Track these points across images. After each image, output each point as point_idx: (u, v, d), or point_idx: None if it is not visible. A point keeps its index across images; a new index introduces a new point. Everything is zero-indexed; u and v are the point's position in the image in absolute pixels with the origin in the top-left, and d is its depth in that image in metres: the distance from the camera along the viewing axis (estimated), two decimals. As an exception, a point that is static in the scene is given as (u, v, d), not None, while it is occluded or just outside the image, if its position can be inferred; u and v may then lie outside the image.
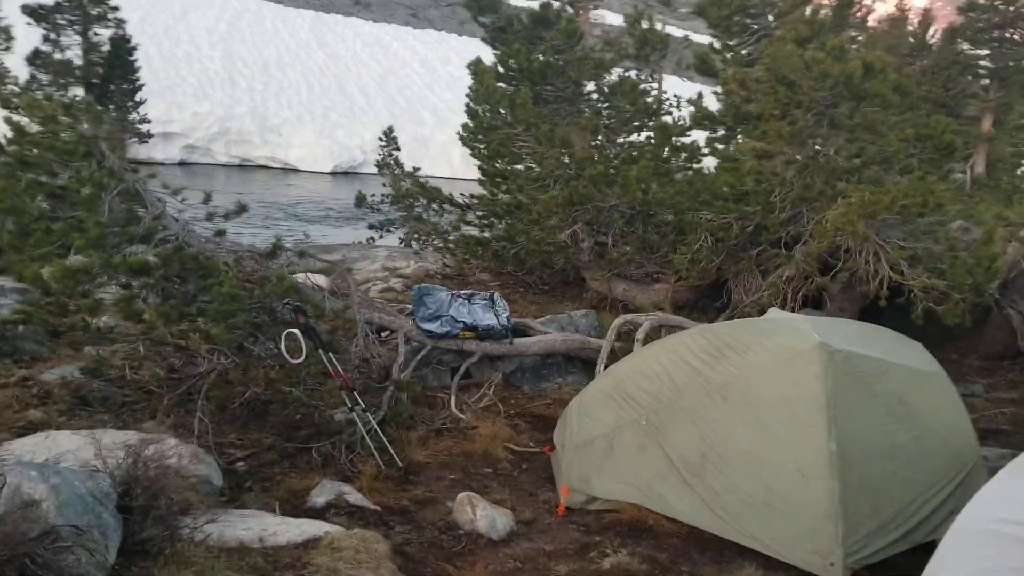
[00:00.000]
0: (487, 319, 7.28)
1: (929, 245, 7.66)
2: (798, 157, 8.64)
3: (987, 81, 27.11)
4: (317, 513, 4.97)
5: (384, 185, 13.25)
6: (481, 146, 12.10)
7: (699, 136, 10.74)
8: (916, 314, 7.49)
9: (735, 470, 4.88)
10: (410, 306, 7.65)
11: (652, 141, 10.57)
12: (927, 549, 4.79)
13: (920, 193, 7.10)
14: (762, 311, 8.91)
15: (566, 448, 5.60)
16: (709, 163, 10.59)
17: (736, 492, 4.83)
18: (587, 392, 5.90)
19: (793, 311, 8.62)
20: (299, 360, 5.35)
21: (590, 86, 11.95)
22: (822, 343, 4.86)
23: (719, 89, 10.11)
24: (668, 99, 14.10)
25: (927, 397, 5.10)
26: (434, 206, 12.26)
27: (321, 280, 9.32)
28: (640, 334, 7.03)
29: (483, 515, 4.97)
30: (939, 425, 5.03)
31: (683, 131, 10.63)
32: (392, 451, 5.76)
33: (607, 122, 11.76)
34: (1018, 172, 10.32)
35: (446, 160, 36.46)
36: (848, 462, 4.58)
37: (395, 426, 6.12)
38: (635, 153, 10.10)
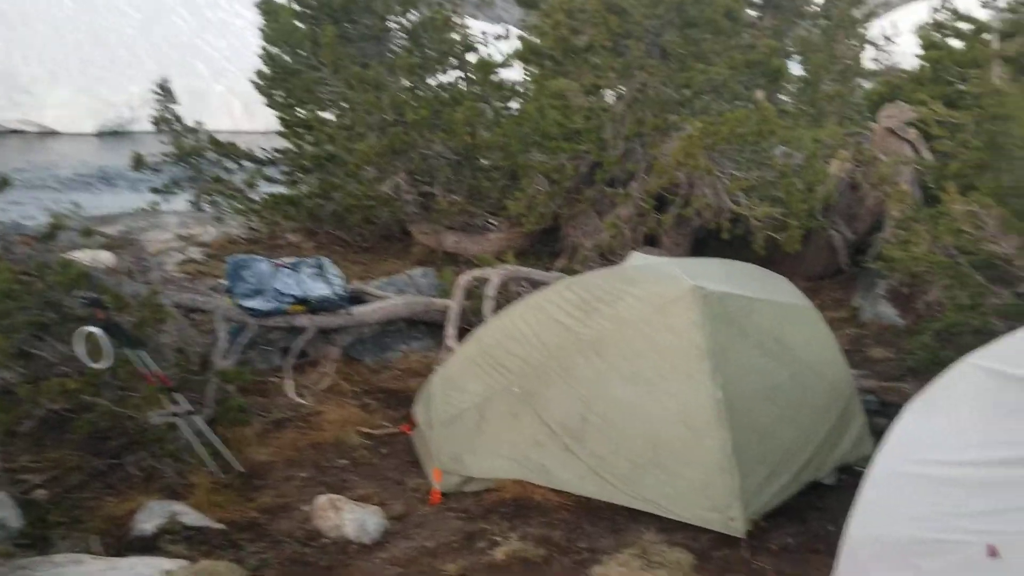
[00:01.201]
0: (319, 289, 6.60)
1: (763, 174, 7.80)
2: (627, 90, 8.52)
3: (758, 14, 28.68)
4: (147, 543, 4.25)
5: (163, 143, 11.92)
6: (280, 93, 11.11)
7: (520, 74, 10.40)
8: (758, 244, 7.63)
9: (619, 430, 4.66)
10: (224, 281, 6.81)
11: (471, 79, 10.09)
12: (813, 488, 4.88)
13: (755, 121, 7.15)
14: (603, 254, 8.82)
15: (432, 425, 5.16)
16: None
17: (623, 453, 4.61)
18: (450, 361, 5.47)
19: (633, 251, 8.60)
20: (104, 365, 4.50)
21: (399, 22, 11.23)
22: (696, 287, 4.69)
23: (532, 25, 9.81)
24: (475, 37, 13.63)
25: (799, 332, 5.10)
26: (227, 163, 11.15)
27: (107, 258, 8.18)
28: (491, 290, 6.65)
29: (350, 517, 4.44)
30: (814, 359, 5.04)
31: (503, 66, 10.22)
32: (227, 454, 5.07)
33: (419, 62, 11.12)
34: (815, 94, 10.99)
35: (226, 112, 34.13)
36: (734, 409, 4.46)
37: (226, 424, 5.39)
38: (457, 94, 9.58)
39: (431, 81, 11.81)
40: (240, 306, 6.39)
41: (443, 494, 4.84)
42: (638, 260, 5.65)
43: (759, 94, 9.41)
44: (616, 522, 4.53)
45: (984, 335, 5.54)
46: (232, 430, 5.37)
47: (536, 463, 4.80)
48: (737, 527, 4.24)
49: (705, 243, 9.50)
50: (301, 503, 4.74)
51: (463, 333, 6.21)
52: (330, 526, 4.43)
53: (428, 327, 7.31)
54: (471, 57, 10.76)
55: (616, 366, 4.78)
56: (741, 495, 4.28)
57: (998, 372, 3.27)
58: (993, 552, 2.87)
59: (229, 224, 11.92)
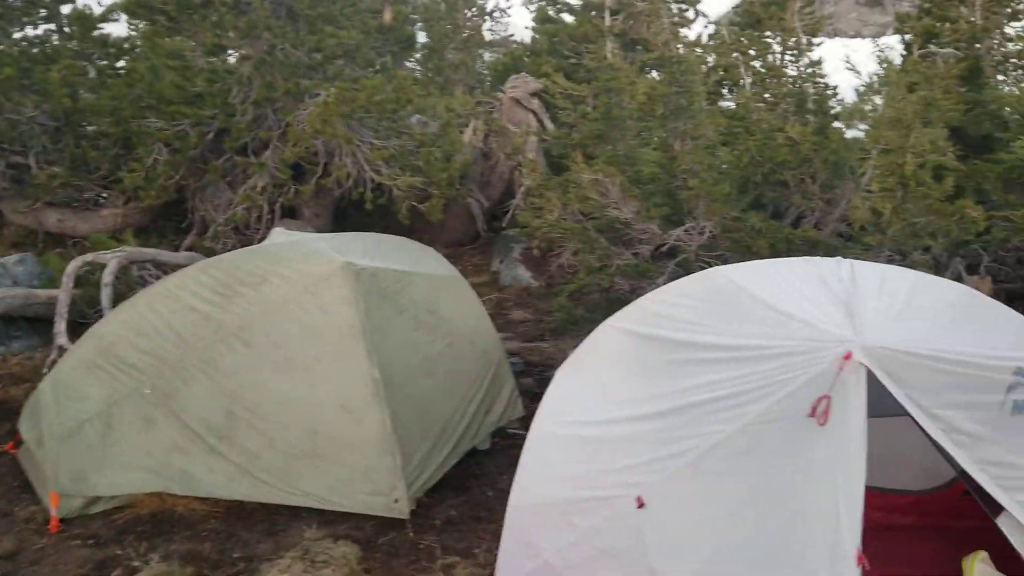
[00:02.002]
0: None
1: (402, 143, 7.81)
2: (253, 52, 8.00)
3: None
4: None
5: None
6: None
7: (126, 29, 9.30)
8: (402, 214, 7.65)
9: (272, 422, 4.36)
10: None
11: (67, 34, 8.81)
12: (472, 455, 5.00)
13: (392, 88, 7.11)
14: (237, 228, 8.28)
15: (45, 442, 4.42)
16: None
17: (277, 447, 4.33)
18: (63, 363, 4.71)
19: (271, 224, 8.18)
20: None
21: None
22: (347, 263, 4.52)
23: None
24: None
25: (451, 302, 5.16)
26: None
27: None
28: (108, 276, 5.88)
29: (-62, 570, 3.65)
30: (465, 328, 5.15)
31: (104, 20, 9.06)
32: None
33: (-3, 9, 9.47)
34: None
35: None
36: (393, 387, 4.40)
37: None
38: (51, 51, 8.30)
39: (16, 35, 10.16)
40: None
41: (63, 520, 4.19)
42: (282, 236, 5.33)
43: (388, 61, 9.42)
44: (275, 523, 4.26)
45: (609, 293, 6.11)
46: None
47: (177, 471, 4.34)
48: (402, 508, 4.19)
49: (346, 214, 9.36)
50: None
51: (77, 329, 5.43)
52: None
53: (31, 323, 6.30)
54: (65, 8, 9.41)
55: (266, 354, 4.46)
56: (404, 475, 4.23)
57: (634, 333, 3.54)
58: (641, 503, 3.10)
59: None
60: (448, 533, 4.28)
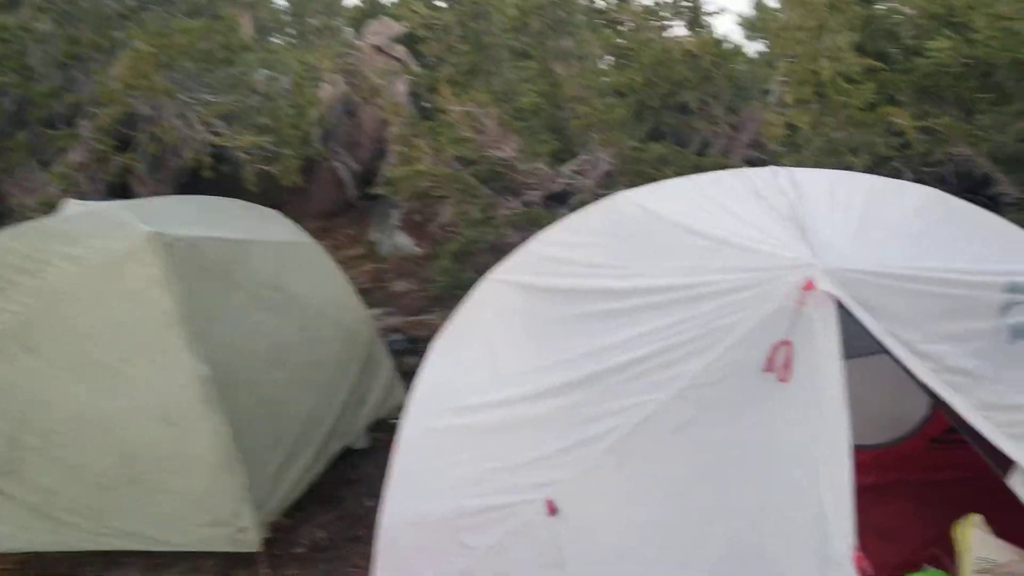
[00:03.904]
0: None
1: (243, 98, 6.80)
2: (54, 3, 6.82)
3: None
4: None
5: None
6: None
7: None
8: (249, 180, 6.66)
9: (73, 447, 3.43)
10: None
11: None
12: (346, 456, 4.17)
13: (222, 31, 6.11)
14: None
15: None
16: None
17: (83, 478, 3.41)
18: None
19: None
20: None
21: None
22: (155, 233, 3.59)
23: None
24: None
25: (302, 275, 4.28)
26: None
27: None
28: None
29: None
30: (325, 305, 4.28)
31: None
32: None
33: None
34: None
35: None
36: (231, 385, 3.51)
37: None
38: None
39: None
40: None
41: None
42: (74, 208, 4.32)
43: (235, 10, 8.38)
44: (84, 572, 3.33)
45: (500, 249, 5.34)
46: None
47: (-54, 523, 3.36)
48: (250, 539, 3.33)
49: (193, 186, 8.31)
50: None
51: None
52: None
53: None
54: None
55: (57, 359, 3.51)
56: (251, 496, 3.36)
57: (526, 286, 2.78)
58: (553, 509, 2.36)
59: None
60: (315, 563, 3.47)
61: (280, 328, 3.97)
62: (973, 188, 5.49)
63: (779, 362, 2.18)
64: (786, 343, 2.18)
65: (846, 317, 2.27)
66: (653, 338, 2.37)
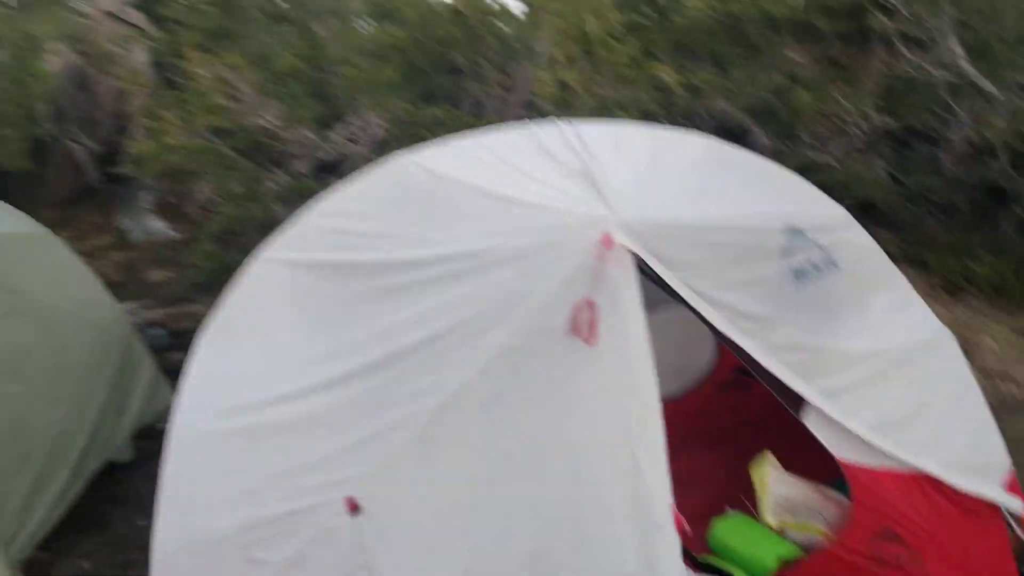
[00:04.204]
0: None
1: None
2: None
3: None
4: None
5: None
6: None
7: None
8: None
9: None
10: None
11: None
12: (109, 471, 3.70)
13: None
14: None
15: None
16: None
17: None
18: None
19: None
20: None
21: None
22: None
23: None
24: None
25: (37, 271, 3.70)
26: None
27: None
28: None
29: None
30: (66, 303, 3.73)
31: None
32: None
33: None
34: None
35: None
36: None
37: None
38: None
39: None
40: None
41: None
42: None
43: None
44: None
45: (269, 227, 4.96)
46: None
47: None
48: (-3, 584, 2.85)
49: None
50: None
51: None
52: None
53: None
54: None
55: None
56: (-7, 534, 2.88)
57: (303, 264, 2.51)
58: (354, 507, 2.14)
59: None
60: (81, 599, 3.02)
61: (13, 334, 3.41)
62: (732, 141, 5.77)
63: (584, 323, 2.07)
64: (589, 303, 2.08)
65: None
66: (449, 311, 2.20)
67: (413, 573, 2.08)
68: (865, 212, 5.57)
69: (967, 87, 5.52)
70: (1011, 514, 2.69)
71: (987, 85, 5.36)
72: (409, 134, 4.56)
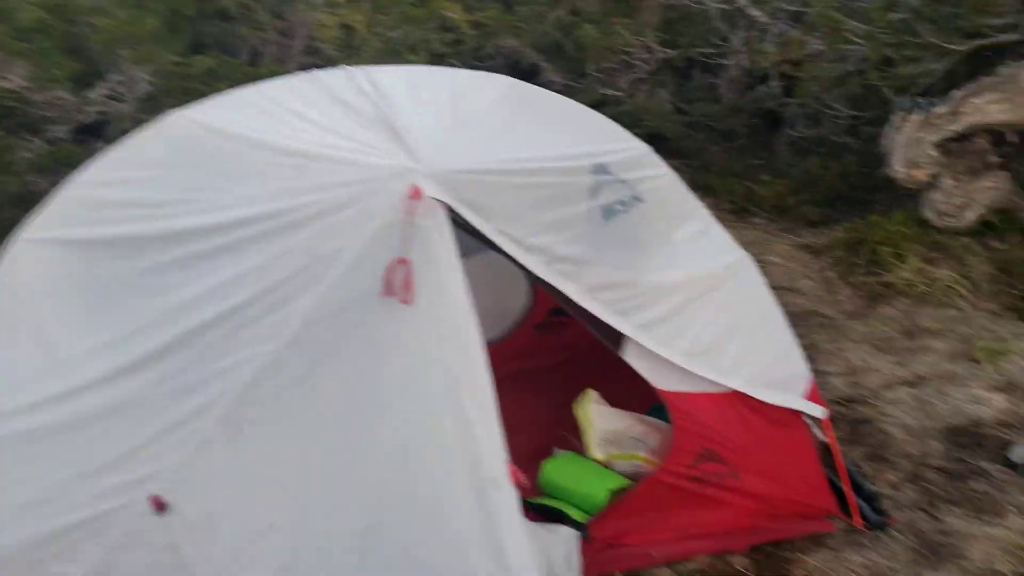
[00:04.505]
0: None
1: None
2: None
3: None
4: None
5: None
6: None
7: None
8: None
9: None
10: None
11: None
12: None
13: None
14: None
15: None
16: None
17: None
18: None
19: None
20: None
21: None
22: None
23: None
24: None
25: None
26: None
27: None
28: None
29: None
30: None
31: None
32: None
33: None
34: None
35: None
36: None
37: None
38: None
39: None
40: None
41: None
42: None
43: None
44: None
45: (27, 201, 4.44)
46: None
47: None
48: None
49: None
50: None
51: None
52: None
53: None
54: None
55: None
56: None
57: (73, 242, 2.23)
58: (160, 504, 1.95)
59: None
60: None
61: None
62: (523, 79, 5.77)
63: (398, 283, 1.96)
64: (403, 261, 1.97)
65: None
66: (249, 280, 2.02)
67: (234, 569, 1.92)
68: (654, 143, 5.77)
69: (740, 16, 5.77)
70: (813, 419, 2.89)
71: (757, 14, 5.63)
72: (180, 88, 4.17)
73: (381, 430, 1.93)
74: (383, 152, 2.12)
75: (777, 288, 4.66)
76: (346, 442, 1.93)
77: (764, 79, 6.21)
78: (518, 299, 3.66)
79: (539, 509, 2.70)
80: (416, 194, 1.99)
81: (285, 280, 2.01)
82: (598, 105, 5.74)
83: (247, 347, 1.98)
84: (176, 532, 1.96)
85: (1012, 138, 4.87)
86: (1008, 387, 3.60)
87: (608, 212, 2.49)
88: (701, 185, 5.88)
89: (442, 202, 2.03)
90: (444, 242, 2.00)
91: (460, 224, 2.13)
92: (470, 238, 2.21)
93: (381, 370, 1.95)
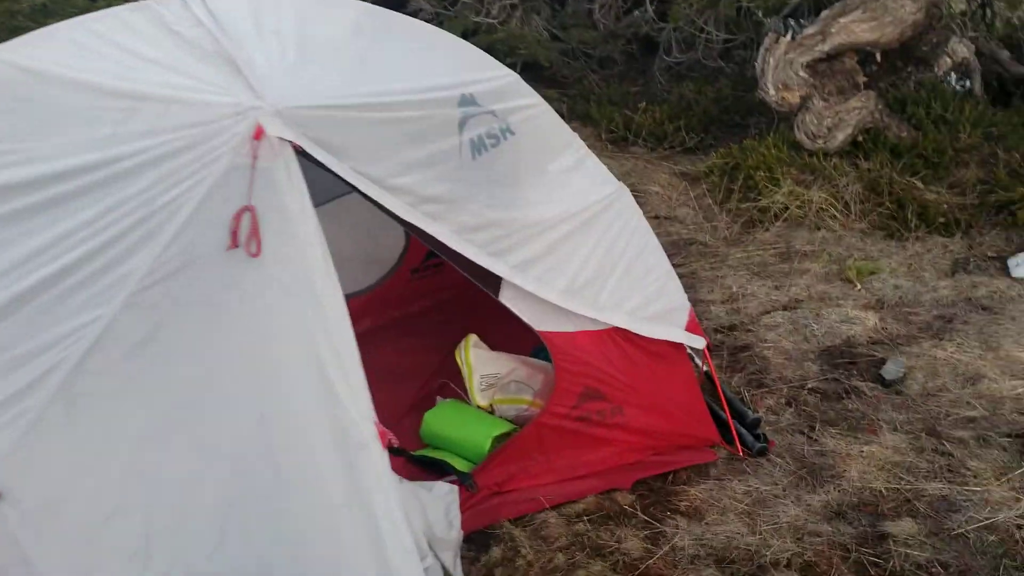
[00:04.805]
0: None
1: None
2: None
3: None
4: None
5: None
6: None
7: None
8: None
9: None
10: None
11: None
12: None
13: None
14: None
15: None
16: None
17: None
18: None
19: None
20: None
21: None
22: None
23: None
24: None
25: None
26: None
27: None
28: None
29: None
30: None
31: None
32: None
33: None
34: None
35: None
36: None
37: None
38: None
39: None
40: None
41: None
42: None
43: None
44: None
45: None
46: None
47: None
48: None
49: None
50: None
51: None
52: None
53: None
54: None
55: None
56: None
57: None
58: (-6, 494, 1.76)
59: None
60: None
61: None
62: (391, 7, 5.49)
63: (245, 233, 1.79)
64: (248, 209, 1.79)
65: (304, 163, 1.95)
66: (79, 237, 1.81)
67: (78, 557, 1.75)
68: (530, 72, 5.63)
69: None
70: (694, 350, 2.87)
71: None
72: (7, 27, 3.75)
73: (236, 396, 1.77)
74: (223, 89, 1.92)
75: (657, 217, 4.67)
76: (195, 412, 1.77)
77: (639, 3, 6.12)
78: (392, 242, 3.50)
79: (422, 462, 2.61)
80: (260, 134, 1.81)
81: (119, 236, 1.80)
82: (471, 34, 5.56)
83: (80, 313, 1.78)
84: (11, 522, 1.77)
85: (878, 57, 4.95)
86: (878, 305, 3.70)
87: (477, 147, 2.35)
88: (580, 114, 5.80)
89: (290, 142, 1.86)
90: (293, 186, 1.83)
91: (317, 164, 1.96)
92: (331, 178, 2.05)
93: (231, 332, 1.79)
